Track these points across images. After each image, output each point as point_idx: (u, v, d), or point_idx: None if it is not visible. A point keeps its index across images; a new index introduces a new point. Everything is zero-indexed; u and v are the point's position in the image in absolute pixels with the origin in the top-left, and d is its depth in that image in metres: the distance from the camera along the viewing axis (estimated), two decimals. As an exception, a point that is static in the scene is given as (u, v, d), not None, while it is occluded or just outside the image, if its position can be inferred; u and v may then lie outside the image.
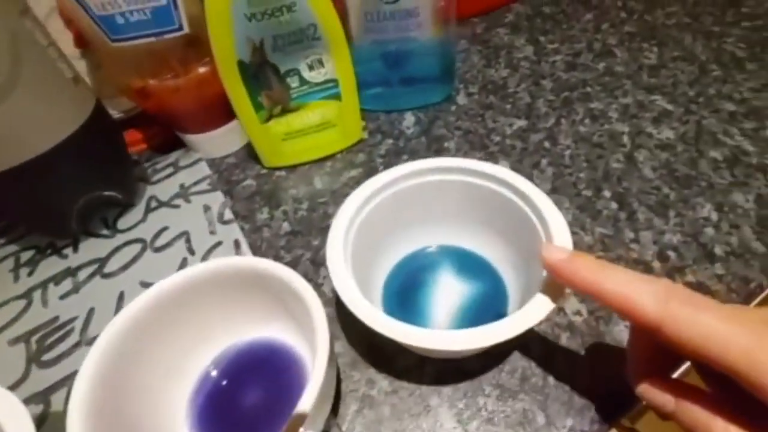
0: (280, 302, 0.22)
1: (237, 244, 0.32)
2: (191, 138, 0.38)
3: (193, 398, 0.23)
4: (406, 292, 0.26)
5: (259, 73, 0.31)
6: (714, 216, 0.30)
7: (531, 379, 0.23)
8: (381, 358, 0.25)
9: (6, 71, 0.24)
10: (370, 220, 0.24)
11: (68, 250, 0.33)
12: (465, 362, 0.24)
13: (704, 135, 0.35)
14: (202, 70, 0.34)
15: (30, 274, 0.32)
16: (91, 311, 0.29)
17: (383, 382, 0.24)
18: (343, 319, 0.27)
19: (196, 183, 0.37)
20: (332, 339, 0.20)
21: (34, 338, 0.28)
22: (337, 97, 0.35)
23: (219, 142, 0.39)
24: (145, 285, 0.22)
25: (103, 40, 0.30)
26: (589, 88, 0.42)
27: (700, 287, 0.26)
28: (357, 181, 0.35)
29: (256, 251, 0.31)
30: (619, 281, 0.16)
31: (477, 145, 0.37)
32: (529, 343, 0.25)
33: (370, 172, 0.36)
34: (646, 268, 0.27)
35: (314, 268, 0.30)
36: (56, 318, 0.29)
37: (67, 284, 0.31)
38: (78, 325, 0.28)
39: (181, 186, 0.37)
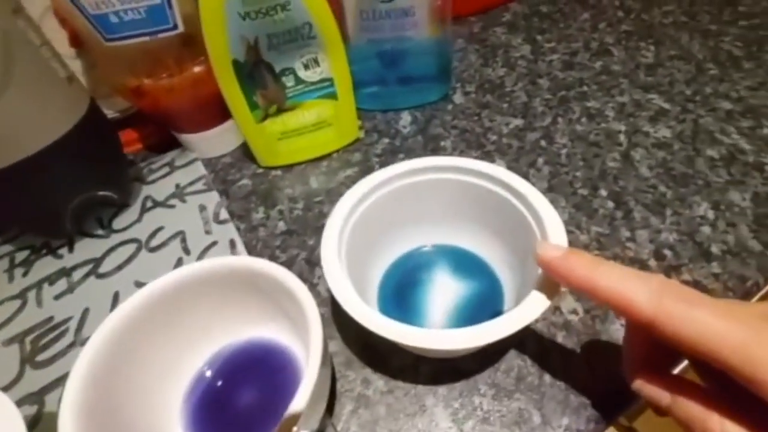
0: (274, 302, 0.22)
1: (232, 244, 0.31)
2: (187, 138, 0.38)
3: (188, 398, 0.23)
4: (401, 292, 0.26)
5: (254, 72, 0.31)
6: (711, 214, 0.30)
7: (527, 378, 0.23)
8: (376, 357, 0.25)
9: (-2, 70, 0.24)
10: (364, 219, 0.24)
11: (63, 250, 0.33)
12: (460, 362, 0.24)
13: (701, 134, 0.35)
14: (197, 69, 0.33)
15: (25, 274, 0.32)
16: (86, 311, 0.29)
17: (379, 381, 0.24)
18: (339, 319, 0.26)
19: (191, 183, 0.37)
20: (326, 339, 0.20)
21: (28, 338, 0.28)
22: (333, 96, 0.35)
23: (214, 141, 0.39)
24: (140, 285, 0.22)
25: (98, 39, 0.30)
26: (585, 87, 0.42)
27: (696, 286, 0.26)
28: (353, 181, 0.35)
29: (252, 251, 0.31)
30: (614, 278, 0.16)
31: (473, 144, 0.37)
32: (525, 342, 0.24)
33: (367, 171, 0.36)
34: (643, 267, 0.27)
35: (309, 268, 0.30)
36: (51, 318, 0.29)
37: (61, 284, 0.31)
38: (73, 325, 0.28)
39: (177, 186, 0.37)
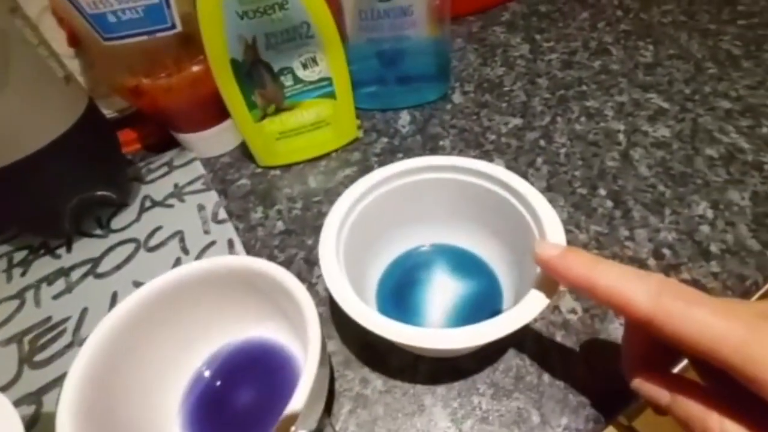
0: (273, 302, 0.22)
1: (231, 244, 0.31)
2: (185, 137, 0.38)
3: (186, 398, 0.23)
4: (400, 291, 0.26)
5: (253, 71, 0.31)
6: (709, 214, 0.30)
7: (526, 377, 0.23)
8: (375, 357, 0.25)
9: (-5, 70, 0.24)
10: (363, 218, 0.24)
11: (61, 250, 0.33)
12: (459, 361, 0.24)
13: (700, 133, 0.35)
14: (195, 68, 0.33)
15: (23, 274, 0.32)
16: (84, 311, 0.29)
17: (377, 381, 0.24)
18: (337, 319, 0.26)
19: (190, 182, 0.37)
20: (324, 338, 0.20)
21: (26, 338, 0.28)
22: (331, 95, 0.35)
23: (213, 141, 0.39)
24: (139, 285, 0.22)
25: (96, 38, 0.30)
26: (584, 86, 0.42)
27: (695, 285, 0.26)
28: (352, 180, 0.35)
29: (250, 250, 0.31)
30: (612, 276, 0.16)
31: (472, 144, 0.37)
32: (524, 341, 0.24)
33: (365, 170, 0.36)
34: (642, 266, 0.27)
35: (308, 268, 0.30)
36: (49, 318, 0.29)
37: (60, 284, 0.31)
38: (71, 325, 0.28)
39: (175, 185, 0.37)
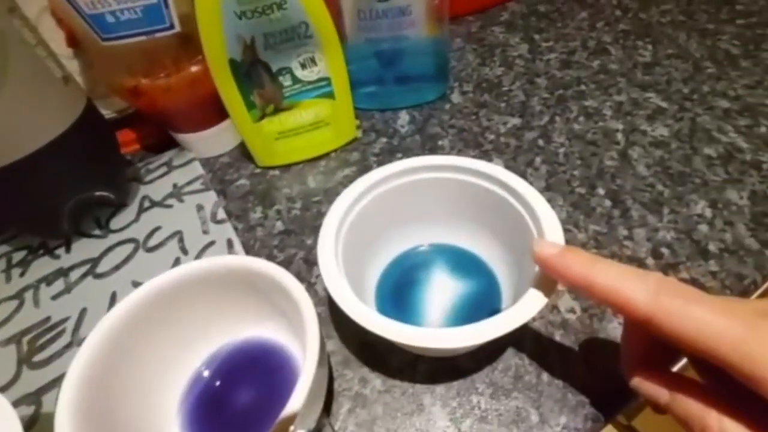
0: (272, 301, 0.22)
1: (230, 244, 0.31)
2: (184, 137, 0.38)
3: (185, 398, 0.23)
4: (399, 291, 0.26)
5: (251, 71, 0.31)
6: (708, 213, 0.30)
7: (524, 377, 0.23)
8: (374, 356, 0.25)
9: (-7, 70, 0.24)
10: (362, 218, 0.24)
11: (60, 251, 0.33)
12: (458, 360, 0.24)
13: (698, 132, 0.35)
14: (194, 68, 0.33)
15: (22, 274, 0.32)
16: (83, 311, 0.29)
17: (376, 380, 0.24)
18: (336, 318, 0.26)
19: (189, 183, 0.37)
20: (324, 338, 0.20)
21: (25, 339, 0.28)
22: (330, 95, 0.35)
23: (212, 141, 0.39)
24: (138, 285, 0.22)
25: (94, 39, 0.30)
26: (583, 86, 0.42)
27: (694, 284, 0.26)
28: (351, 180, 0.35)
29: (250, 251, 0.31)
30: (611, 275, 0.16)
31: (471, 144, 0.37)
32: (523, 340, 0.24)
33: (364, 170, 0.36)
34: (640, 266, 0.27)
35: (307, 267, 0.30)
36: (48, 318, 0.29)
37: (59, 284, 0.31)
38: (70, 325, 0.28)
39: (174, 186, 0.37)
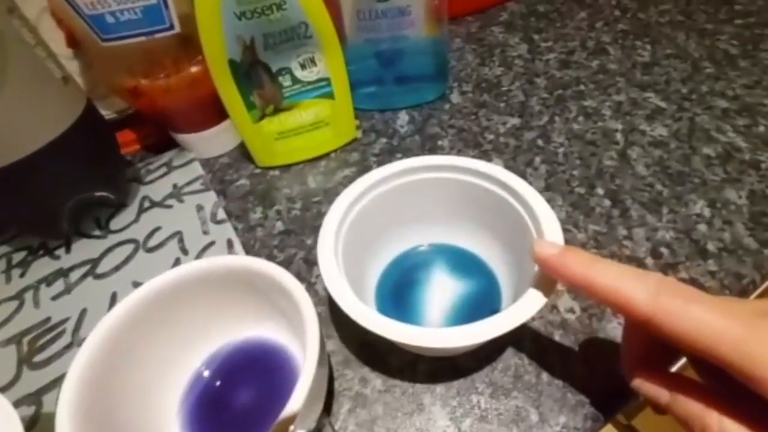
0: (272, 301, 0.22)
1: (230, 244, 0.31)
2: (184, 138, 0.38)
3: (185, 398, 0.23)
4: (399, 291, 0.26)
5: (251, 72, 0.31)
6: (707, 212, 0.30)
7: (524, 376, 0.23)
8: (374, 356, 0.25)
9: (-7, 70, 0.24)
10: (361, 218, 0.24)
11: (60, 251, 0.33)
12: (458, 360, 0.24)
13: (697, 132, 0.36)
14: (194, 69, 0.33)
15: (22, 275, 0.32)
16: (84, 312, 0.29)
17: (376, 380, 0.24)
18: (337, 318, 0.26)
19: (189, 183, 0.37)
20: (324, 338, 0.20)
21: (25, 339, 0.28)
22: (330, 95, 0.35)
23: (212, 141, 0.39)
24: (138, 285, 0.22)
25: (94, 39, 0.30)
26: (582, 86, 0.42)
27: (693, 284, 0.26)
28: (351, 180, 0.35)
29: (250, 251, 0.31)
30: (610, 275, 0.16)
31: (471, 144, 0.37)
32: (523, 340, 0.25)
33: (364, 171, 0.36)
34: (639, 265, 0.27)
35: (307, 267, 0.30)
36: (48, 319, 0.29)
37: (59, 285, 0.31)
38: (70, 326, 0.28)
39: (174, 186, 0.37)
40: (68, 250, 0.33)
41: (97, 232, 0.34)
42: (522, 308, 0.18)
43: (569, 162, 0.35)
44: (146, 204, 0.36)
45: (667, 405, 0.17)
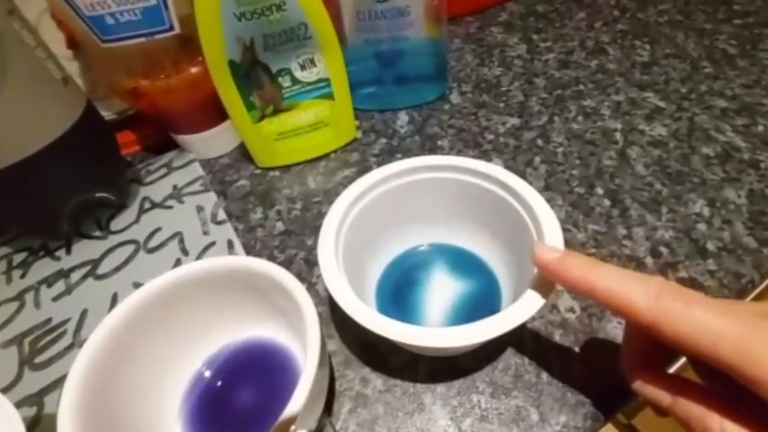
0: (272, 302, 0.22)
1: (230, 245, 0.31)
2: (184, 139, 0.38)
3: (186, 398, 0.23)
4: (399, 291, 0.26)
5: (251, 72, 0.31)
6: (706, 212, 0.30)
7: (524, 376, 0.23)
8: (375, 356, 0.25)
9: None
10: (361, 218, 0.24)
11: (61, 252, 0.33)
12: (458, 360, 0.24)
13: (696, 131, 0.36)
14: (194, 70, 0.33)
15: (23, 276, 0.32)
16: (84, 313, 0.29)
17: (377, 380, 0.24)
18: (337, 318, 0.26)
19: (189, 184, 0.37)
20: (324, 338, 0.20)
21: (27, 340, 0.28)
22: (329, 96, 0.35)
23: (212, 142, 0.39)
24: (139, 286, 0.22)
25: (94, 40, 0.30)
26: (581, 85, 0.42)
27: (692, 283, 0.26)
28: (351, 181, 0.35)
29: (250, 251, 0.31)
30: (611, 279, 0.16)
31: (470, 144, 0.37)
32: (523, 340, 0.25)
33: (364, 171, 0.36)
34: (639, 265, 0.27)
35: (308, 268, 0.30)
36: (49, 320, 0.29)
37: (59, 286, 0.31)
38: (71, 326, 0.28)
39: (174, 187, 0.37)
40: (69, 251, 0.33)
41: (97, 233, 0.34)
42: (522, 308, 0.18)
43: (569, 162, 0.35)
44: (147, 205, 0.36)
45: (668, 407, 0.17)
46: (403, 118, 0.41)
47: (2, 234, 0.35)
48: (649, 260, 0.28)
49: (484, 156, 0.36)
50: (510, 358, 0.24)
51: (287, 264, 0.30)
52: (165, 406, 0.22)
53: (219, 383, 0.23)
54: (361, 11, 0.35)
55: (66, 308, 0.29)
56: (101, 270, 0.31)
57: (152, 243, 0.33)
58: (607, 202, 0.31)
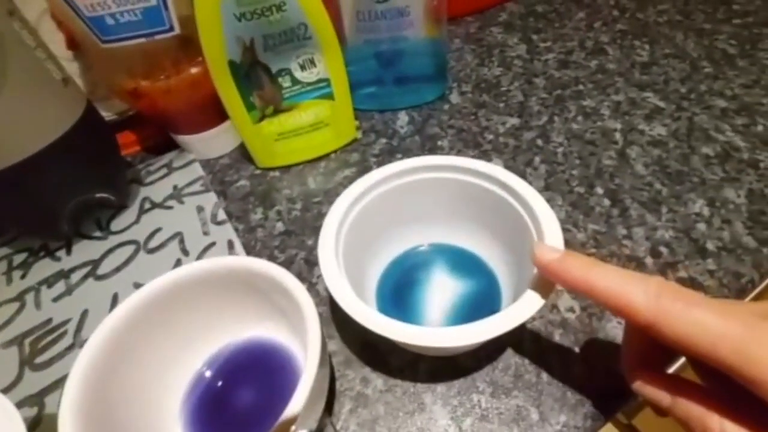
0: (273, 302, 0.22)
1: (231, 245, 0.32)
2: (185, 139, 0.38)
3: (187, 398, 0.23)
4: (400, 291, 0.26)
5: (251, 73, 0.31)
6: (706, 211, 0.30)
7: (524, 375, 0.23)
8: (375, 356, 0.25)
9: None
10: (362, 218, 0.24)
11: (61, 252, 0.33)
12: (459, 360, 0.24)
13: (696, 131, 0.36)
14: (194, 70, 0.33)
15: (23, 276, 0.32)
16: (85, 313, 0.29)
17: (377, 380, 0.24)
18: (338, 318, 0.27)
19: (189, 184, 0.37)
20: (325, 338, 0.20)
21: (27, 341, 0.28)
22: (329, 96, 0.35)
23: (212, 142, 0.39)
24: (139, 286, 0.22)
25: (94, 41, 0.30)
26: (581, 85, 0.42)
27: (692, 283, 0.26)
28: (351, 181, 0.35)
29: (250, 251, 0.31)
30: (611, 279, 0.16)
31: (470, 144, 0.38)
32: (523, 340, 0.25)
33: (364, 171, 0.36)
34: (639, 265, 0.27)
35: (308, 268, 0.30)
36: (49, 320, 0.29)
37: (60, 286, 0.31)
38: (71, 327, 0.28)
39: (175, 187, 0.37)
40: (69, 252, 0.33)
41: (97, 234, 0.34)
42: (522, 308, 0.18)
43: (568, 162, 0.35)
44: (147, 205, 0.36)
45: (668, 407, 0.17)
46: (403, 118, 0.41)
47: (2, 234, 0.35)
48: (648, 260, 0.28)
49: (484, 156, 0.36)
50: (510, 357, 0.24)
51: (287, 264, 0.30)
52: (166, 406, 0.22)
53: (219, 383, 0.23)
54: (360, 11, 0.35)
55: (66, 309, 0.29)
56: (101, 270, 0.31)
57: (152, 243, 0.33)
58: (606, 202, 0.31)
